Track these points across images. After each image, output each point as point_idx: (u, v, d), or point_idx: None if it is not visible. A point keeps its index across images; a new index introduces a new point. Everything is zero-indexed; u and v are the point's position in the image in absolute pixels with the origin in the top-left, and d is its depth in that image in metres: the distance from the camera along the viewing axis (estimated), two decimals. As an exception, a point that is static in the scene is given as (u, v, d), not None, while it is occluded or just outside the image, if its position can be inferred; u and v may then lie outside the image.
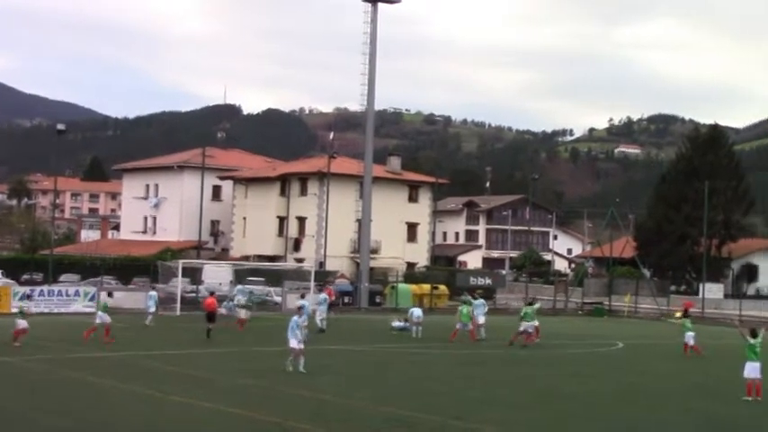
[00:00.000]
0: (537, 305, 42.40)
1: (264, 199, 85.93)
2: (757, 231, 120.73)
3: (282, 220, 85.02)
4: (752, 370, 24.50)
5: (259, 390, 23.94)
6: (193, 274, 59.33)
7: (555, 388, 26.38)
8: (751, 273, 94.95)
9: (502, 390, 25.61)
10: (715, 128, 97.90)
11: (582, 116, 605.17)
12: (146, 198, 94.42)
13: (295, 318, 27.67)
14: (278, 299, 58.59)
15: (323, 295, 45.34)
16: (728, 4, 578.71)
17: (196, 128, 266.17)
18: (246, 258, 78.86)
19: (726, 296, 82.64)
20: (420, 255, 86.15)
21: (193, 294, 55.58)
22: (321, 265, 73.30)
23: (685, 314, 43.30)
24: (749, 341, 24.98)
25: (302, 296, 43.09)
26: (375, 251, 76.15)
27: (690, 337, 38.06)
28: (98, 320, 35.94)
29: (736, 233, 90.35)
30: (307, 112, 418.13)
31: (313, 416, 19.89)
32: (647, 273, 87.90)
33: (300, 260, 76.92)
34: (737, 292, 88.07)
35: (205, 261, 68.64)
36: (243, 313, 43.31)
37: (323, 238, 75.99)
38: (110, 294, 41.67)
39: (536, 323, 39.53)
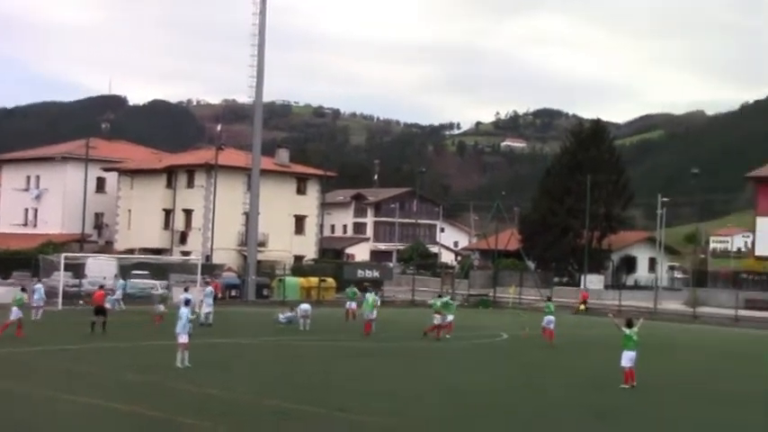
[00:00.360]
0: (446, 298, 43.46)
1: (150, 191, 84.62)
2: (636, 224, 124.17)
3: (169, 213, 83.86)
4: (628, 359, 25.38)
5: (145, 385, 23.68)
6: (76, 268, 58.09)
7: (440, 379, 26.76)
8: (630, 264, 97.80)
9: (387, 382, 25.84)
10: (597, 123, 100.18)
11: (469, 110, 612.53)
12: (26, 190, 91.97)
13: (185, 310, 27.39)
14: (163, 292, 57.79)
15: (209, 288, 45.07)
16: (611, 2, 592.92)
17: (80, 119, 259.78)
18: (131, 251, 77.57)
19: (606, 287, 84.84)
20: (308, 247, 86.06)
21: (76, 289, 54.44)
22: (208, 258, 72.64)
23: (583, 303, 45.41)
24: (625, 332, 25.81)
25: (186, 289, 42.66)
26: (263, 244, 75.82)
27: (549, 321, 39.21)
28: (13, 316, 35.18)
29: (617, 226, 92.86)
30: (194, 103, 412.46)
31: (199, 410, 19.79)
32: (531, 264, 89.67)
33: (187, 253, 75.99)
34: (617, 282, 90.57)
35: (88, 254, 67.31)
36: (161, 307, 42.58)
37: (210, 231, 75.32)
38: (23, 289, 40.64)
39: (450, 317, 40.17)
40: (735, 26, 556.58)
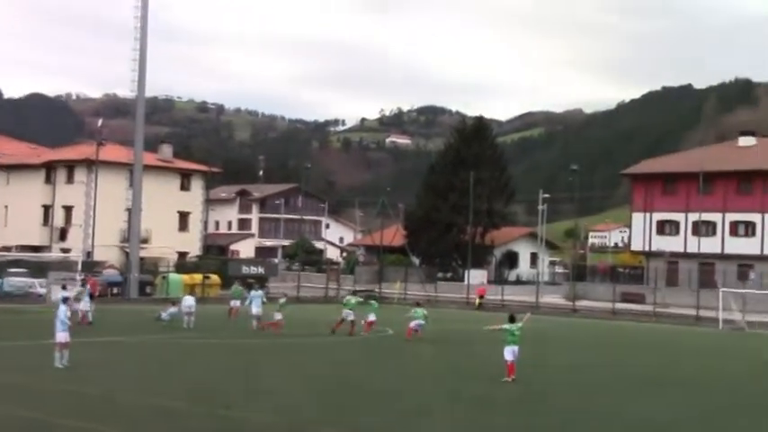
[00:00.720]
0: (359, 298, 43.92)
1: (28, 187, 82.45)
2: (518, 220, 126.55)
3: (48, 209, 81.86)
4: (510, 353, 26.00)
5: (22, 386, 23.02)
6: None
7: (324, 375, 26.80)
8: (512, 259, 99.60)
9: (271, 378, 25.74)
10: (480, 120, 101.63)
11: (353, 106, 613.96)
12: None
13: (63, 308, 26.70)
14: (42, 290, 56.40)
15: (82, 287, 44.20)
16: (494, 1, 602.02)
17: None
18: (8, 249, 75.33)
19: (489, 282, 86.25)
20: (192, 244, 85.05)
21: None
22: (89, 255, 71.14)
23: (480, 298, 45.95)
24: (506, 327, 26.47)
25: (64, 287, 41.66)
26: (145, 240, 74.63)
27: (418, 324, 38.87)
28: None
29: (499, 221, 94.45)
30: (74, 97, 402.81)
31: (80, 411, 19.36)
32: (415, 260, 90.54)
33: (67, 250, 74.31)
34: (500, 277, 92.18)
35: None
36: (84, 305, 40.88)
37: (90, 228, 73.80)
38: None
39: (372, 317, 40.41)
40: (611, 27, 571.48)
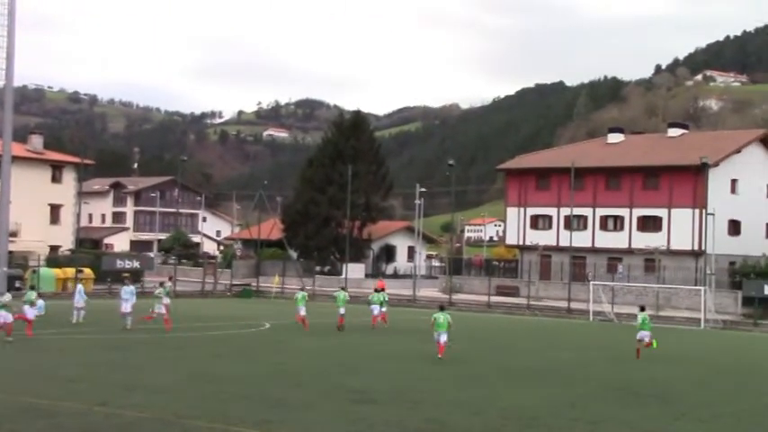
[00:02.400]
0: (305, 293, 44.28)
1: None
2: (395, 214, 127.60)
3: None
4: (437, 335, 31.33)
5: None
6: None
7: (201, 369, 26.57)
8: (389, 253, 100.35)
9: (147, 374, 25.39)
10: (358, 114, 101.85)
11: (231, 99, 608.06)
12: None
13: None
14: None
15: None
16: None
17: None
18: None
19: (367, 275, 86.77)
20: (64, 237, 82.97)
21: None
22: (-46, 249, 68.57)
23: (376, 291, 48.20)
24: (435, 316, 31.79)
25: None
26: (14, 234, 72.33)
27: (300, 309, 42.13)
28: None
29: (377, 215, 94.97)
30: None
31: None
32: (293, 254, 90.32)
33: (-70, 244, 71.48)
34: (377, 271, 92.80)
35: None
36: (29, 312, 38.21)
37: (-44, 221, 71.17)
38: None
39: (342, 311, 42.75)
40: (487, 24, 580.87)
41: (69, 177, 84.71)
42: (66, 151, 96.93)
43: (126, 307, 38.93)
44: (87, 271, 66.68)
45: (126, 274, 54.04)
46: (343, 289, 47.19)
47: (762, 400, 25.09)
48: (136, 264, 69.21)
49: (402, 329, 44.22)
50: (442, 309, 32.94)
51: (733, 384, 28.35)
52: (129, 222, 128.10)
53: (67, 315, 40.71)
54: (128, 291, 39.58)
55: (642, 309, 36.68)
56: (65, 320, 39.74)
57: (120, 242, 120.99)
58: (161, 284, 41.91)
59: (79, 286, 42.71)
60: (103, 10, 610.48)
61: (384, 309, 44.90)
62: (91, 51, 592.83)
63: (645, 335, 34.47)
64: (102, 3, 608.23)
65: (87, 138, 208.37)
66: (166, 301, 39.59)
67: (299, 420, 18.86)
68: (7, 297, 35.80)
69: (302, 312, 42.16)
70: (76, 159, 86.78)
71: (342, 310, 42.83)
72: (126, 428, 17.57)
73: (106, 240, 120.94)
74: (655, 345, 34.56)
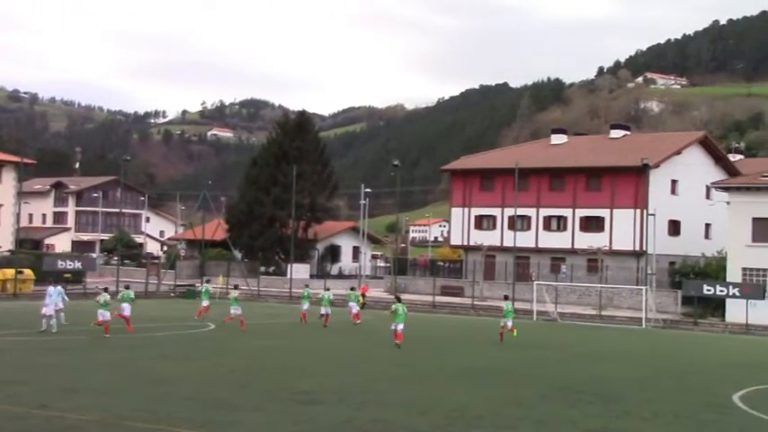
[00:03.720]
0: (236, 292, 45.33)
1: None
2: (340, 214, 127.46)
3: None
4: (395, 325, 35.59)
5: None
6: None
7: (144, 370, 26.32)
8: (334, 253, 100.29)
9: (88, 375, 25.06)
10: (303, 114, 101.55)
11: (175, 98, 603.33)
12: None
13: None
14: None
15: None
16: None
17: None
18: None
19: (312, 276, 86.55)
20: (4, 238, 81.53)
21: None
22: None
23: (363, 297, 50.92)
24: (395, 307, 35.99)
25: None
26: (-48, 235, 71.19)
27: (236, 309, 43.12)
28: None
29: (322, 215, 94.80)
30: None
31: None
32: (238, 254, 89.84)
33: None
34: (322, 271, 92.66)
35: None
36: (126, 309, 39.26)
37: None
38: None
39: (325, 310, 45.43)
40: (432, 25, 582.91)
41: (9, 177, 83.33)
42: (5, 150, 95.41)
43: (48, 309, 37.64)
44: (28, 272, 65.74)
45: (67, 275, 53.44)
46: (327, 289, 48.79)
47: (702, 398, 25.47)
48: (78, 264, 68.34)
49: (347, 330, 44.20)
50: (399, 300, 37.58)
51: (674, 383, 28.76)
52: (71, 223, 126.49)
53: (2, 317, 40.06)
54: (53, 291, 38.45)
55: (506, 298, 44.69)
56: (12, 323, 39.00)
57: (61, 243, 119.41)
58: (235, 287, 47.19)
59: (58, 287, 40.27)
60: (44, 6, 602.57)
61: (357, 309, 49.13)
62: (31, 49, 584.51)
63: (507, 322, 40.37)
64: (40, 1, 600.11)
65: (28, 137, 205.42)
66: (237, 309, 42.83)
67: (244, 421, 18.75)
68: (105, 297, 37.42)
69: (235, 311, 42.79)
70: (16, 159, 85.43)
71: (326, 310, 45.63)
72: (67, 431, 17.33)
73: (47, 241, 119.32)
74: (515, 334, 40.05)
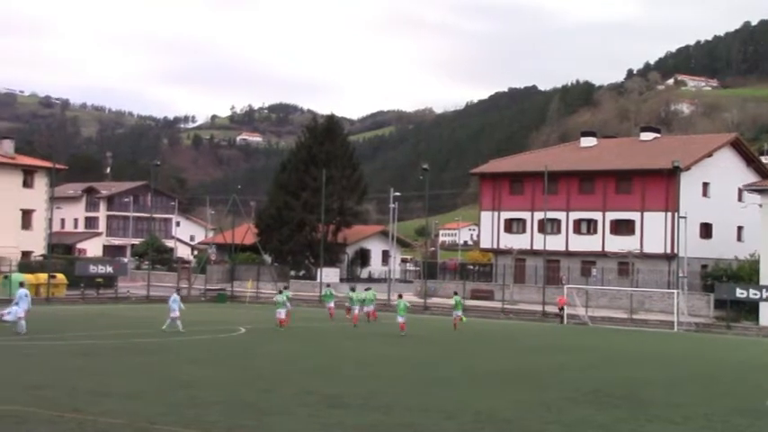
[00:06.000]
0: (288, 293, 48.21)
1: None
2: (370, 218, 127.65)
3: None
4: (399, 317, 43.42)
5: None
6: None
7: (174, 375, 26.43)
8: (364, 257, 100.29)
9: (118, 379, 25.19)
10: (331, 118, 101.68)
11: (204, 103, 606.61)
12: None
13: None
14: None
15: None
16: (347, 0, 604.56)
17: None
18: None
19: (342, 280, 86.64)
20: (36, 243, 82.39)
21: None
22: None
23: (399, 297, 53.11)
24: (397, 302, 44.89)
25: None
26: (-15, 240, 71.95)
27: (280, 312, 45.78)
28: None
29: (351, 219, 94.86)
30: None
31: None
32: (267, 258, 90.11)
33: None
34: (352, 275, 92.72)
35: None
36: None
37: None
38: None
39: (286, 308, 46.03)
40: (460, 28, 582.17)
41: (41, 182, 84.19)
42: (37, 156, 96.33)
43: (175, 313, 41.13)
44: (60, 276, 66.27)
45: (99, 280, 53.91)
46: (353, 290, 54.15)
47: (734, 402, 25.24)
48: (109, 269, 68.92)
49: (376, 333, 44.21)
50: (400, 297, 47.09)
51: (705, 387, 28.53)
52: (102, 227, 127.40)
53: (32, 321, 40.22)
54: (21, 294, 38.37)
55: (456, 293, 54.04)
56: (30, 326, 39.13)
57: (92, 247, 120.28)
58: (280, 291, 48.22)
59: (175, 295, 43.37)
60: (76, 14, 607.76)
61: (372, 307, 52.59)
62: (62, 56, 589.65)
63: (457, 313, 49.93)
64: (74, 6, 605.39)
65: (59, 142, 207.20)
66: (288, 306, 45.86)
67: (272, 425, 18.79)
68: (282, 297, 45.13)
69: (282, 315, 44.99)
70: (48, 164, 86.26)
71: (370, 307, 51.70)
72: (98, 435, 17.44)
73: (79, 245, 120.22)
74: (464, 320, 50.01)
